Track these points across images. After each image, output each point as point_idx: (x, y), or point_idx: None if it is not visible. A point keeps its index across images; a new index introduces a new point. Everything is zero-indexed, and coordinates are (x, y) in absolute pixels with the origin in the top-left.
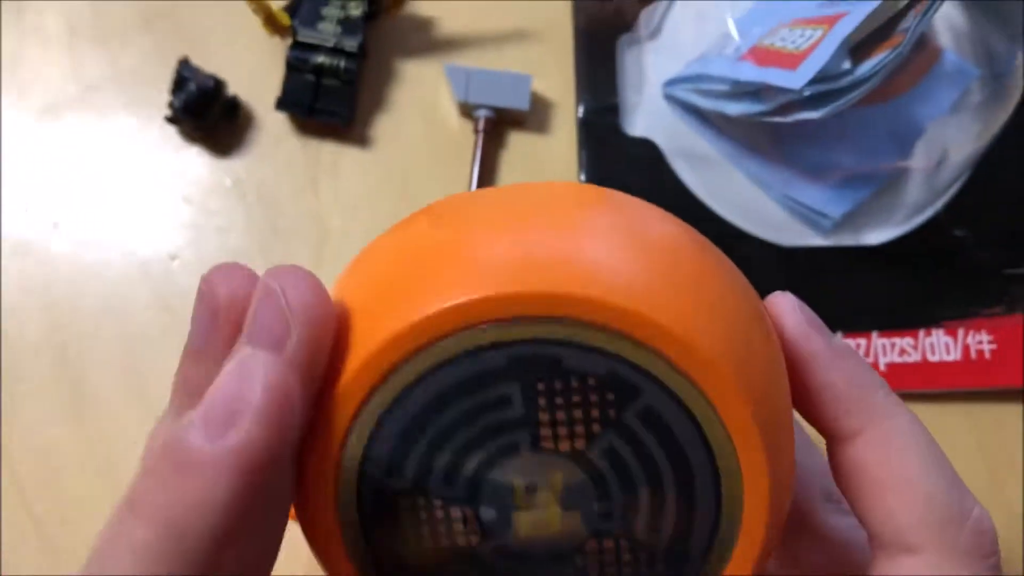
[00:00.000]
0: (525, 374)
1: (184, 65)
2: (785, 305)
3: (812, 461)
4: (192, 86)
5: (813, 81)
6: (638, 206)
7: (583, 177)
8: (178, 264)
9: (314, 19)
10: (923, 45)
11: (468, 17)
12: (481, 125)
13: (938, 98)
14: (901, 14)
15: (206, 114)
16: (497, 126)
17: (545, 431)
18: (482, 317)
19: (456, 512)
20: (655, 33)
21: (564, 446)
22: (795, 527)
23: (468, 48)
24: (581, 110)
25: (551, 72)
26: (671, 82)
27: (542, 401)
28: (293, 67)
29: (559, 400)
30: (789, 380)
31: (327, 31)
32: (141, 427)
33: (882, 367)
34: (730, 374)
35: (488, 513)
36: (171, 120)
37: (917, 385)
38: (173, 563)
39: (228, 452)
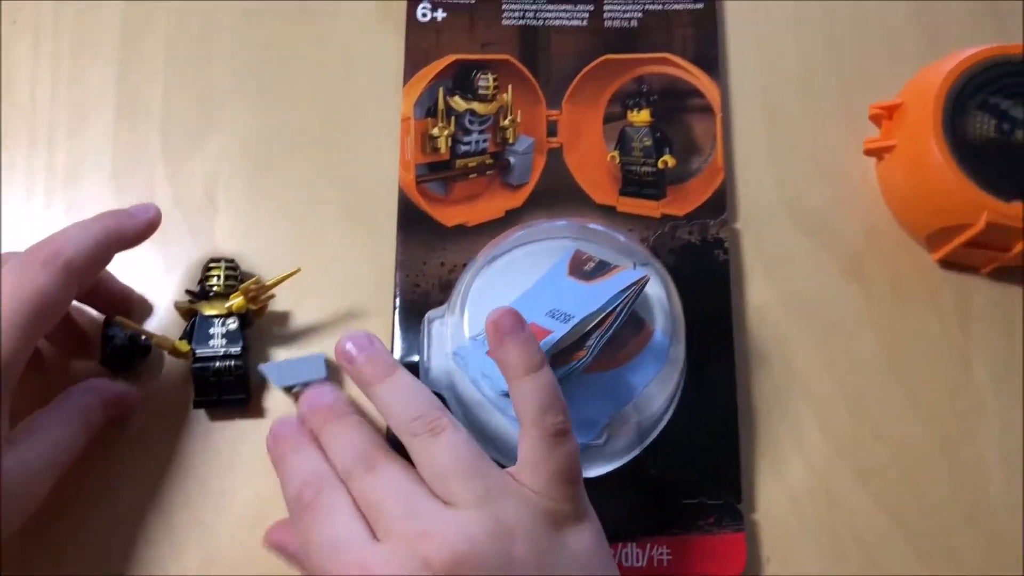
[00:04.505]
0: None
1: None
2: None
3: None
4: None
5: None
6: None
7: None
8: None
9: (206, 339)
10: (641, 325)
11: (316, 308)
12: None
13: (647, 369)
14: (588, 334)
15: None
16: None
17: None
18: None
19: None
20: (453, 310)
21: None
22: None
23: (317, 331)
24: None
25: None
26: (455, 352)
27: None
28: (199, 377)
29: None
30: None
31: (216, 344)
32: None
33: None
34: None
35: None
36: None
37: None
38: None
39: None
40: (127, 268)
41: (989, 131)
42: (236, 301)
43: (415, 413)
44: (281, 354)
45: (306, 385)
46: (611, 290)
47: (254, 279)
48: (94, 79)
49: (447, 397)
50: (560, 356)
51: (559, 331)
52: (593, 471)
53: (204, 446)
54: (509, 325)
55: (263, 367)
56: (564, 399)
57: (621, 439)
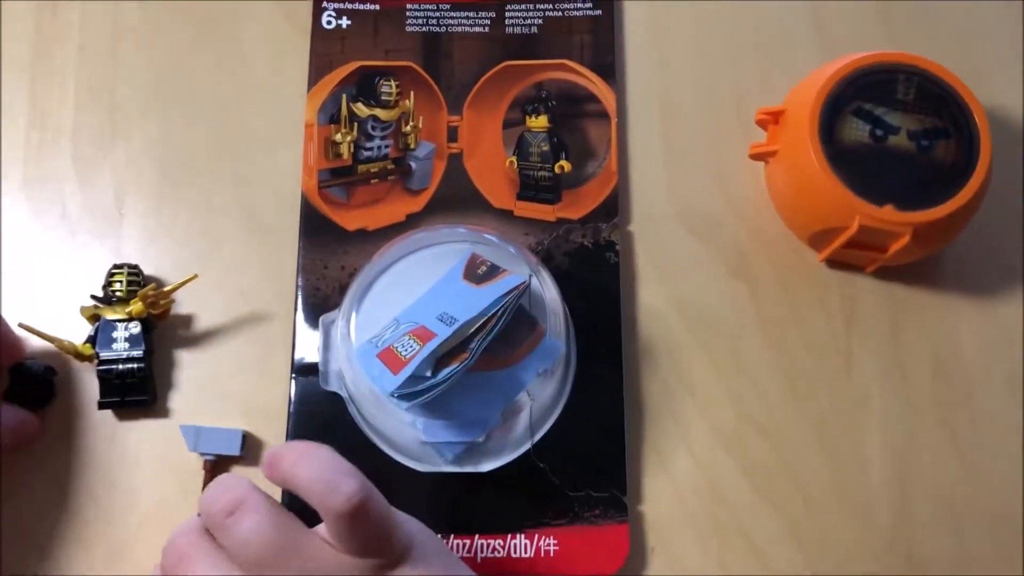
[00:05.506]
0: None
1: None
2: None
3: None
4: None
5: (403, 384)
6: None
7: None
8: None
9: (109, 342)
10: (533, 326)
11: (220, 310)
12: (206, 466)
13: (537, 368)
14: (471, 337)
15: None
16: (219, 465)
17: None
18: None
19: None
20: (348, 313)
21: None
22: None
23: (221, 332)
24: (294, 366)
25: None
26: (352, 356)
27: None
28: (103, 379)
29: None
30: None
31: (119, 348)
32: None
33: (479, 561)
34: None
35: None
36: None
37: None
38: None
39: None
40: (36, 274)
41: (864, 136)
42: (135, 306)
43: (212, 506)
44: (185, 357)
45: (217, 456)
46: (496, 294)
47: (151, 285)
48: (4, 90)
49: (344, 397)
50: (445, 358)
51: (443, 334)
52: (485, 465)
53: (111, 446)
54: (268, 463)
55: (183, 427)
56: (448, 403)
57: (512, 432)
